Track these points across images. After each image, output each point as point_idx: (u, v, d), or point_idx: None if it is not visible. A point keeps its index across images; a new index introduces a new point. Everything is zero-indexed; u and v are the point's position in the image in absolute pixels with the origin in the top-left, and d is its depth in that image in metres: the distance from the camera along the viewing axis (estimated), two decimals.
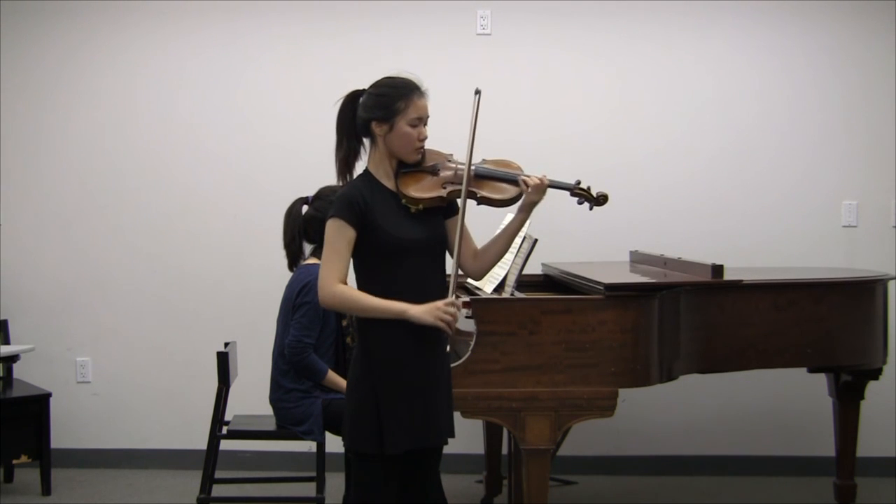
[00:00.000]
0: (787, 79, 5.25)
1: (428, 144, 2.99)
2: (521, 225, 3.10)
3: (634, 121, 5.26)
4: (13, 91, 5.31)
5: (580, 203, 3.17)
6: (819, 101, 5.25)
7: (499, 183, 3.03)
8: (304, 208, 4.09)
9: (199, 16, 5.29)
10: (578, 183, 3.14)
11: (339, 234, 2.87)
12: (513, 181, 3.02)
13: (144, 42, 5.30)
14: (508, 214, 3.60)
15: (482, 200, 3.02)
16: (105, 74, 5.31)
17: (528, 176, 3.01)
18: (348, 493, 4.00)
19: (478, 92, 3.00)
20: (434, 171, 2.98)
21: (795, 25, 5.25)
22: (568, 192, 3.15)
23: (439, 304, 2.84)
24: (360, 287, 2.92)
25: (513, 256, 3.76)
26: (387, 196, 2.94)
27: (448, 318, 2.83)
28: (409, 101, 2.90)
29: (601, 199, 3.15)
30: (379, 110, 2.90)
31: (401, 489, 2.97)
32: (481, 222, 3.54)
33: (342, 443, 3.73)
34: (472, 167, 2.98)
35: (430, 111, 2.95)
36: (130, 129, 5.31)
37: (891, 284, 4.31)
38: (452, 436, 3.02)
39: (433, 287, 2.95)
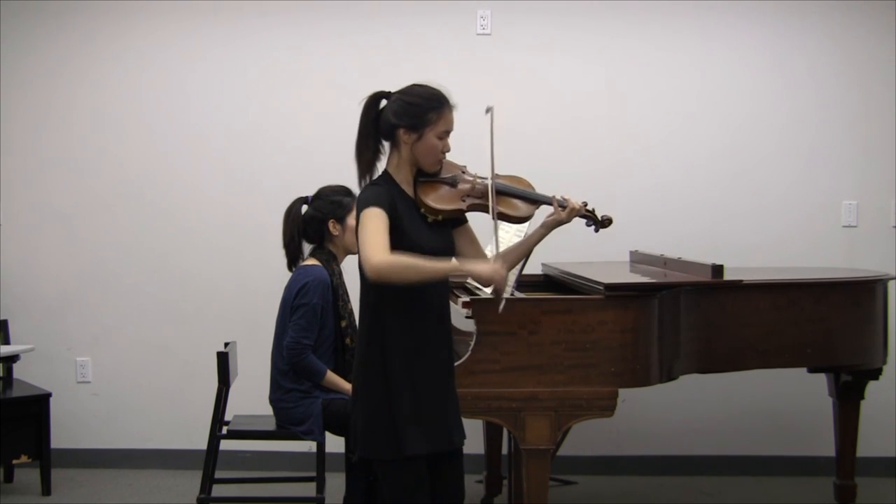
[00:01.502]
0: (787, 78, 5.25)
1: None
2: (540, 240, 3.15)
3: (635, 120, 5.26)
4: (14, 89, 5.30)
5: (588, 225, 3.30)
6: (819, 101, 5.25)
7: (516, 200, 3.09)
8: (304, 208, 4.08)
9: (201, 16, 5.28)
10: (585, 205, 3.24)
11: (377, 217, 2.77)
12: (529, 199, 3.09)
13: (147, 41, 5.29)
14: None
15: (501, 216, 3.04)
16: (106, 74, 5.31)
17: (565, 199, 3.09)
18: (349, 494, 4.00)
19: (489, 110, 2.95)
20: (452, 183, 2.98)
21: (796, 25, 5.24)
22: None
23: (494, 264, 2.82)
24: (377, 291, 2.84)
25: None
26: (408, 202, 2.92)
27: (504, 274, 2.83)
28: (441, 113, 2.88)
29: (606, 222, 3.30)
30: (409, 118, 2.86)
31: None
32: (481, 227, 3.53)
33: (343, 444, 3.73)
34: (492, 182, 2.98)
35: None
36: (130, 129, 5.30)
37: (891, 284, 4.31)
38: (464, 437, 3.02)
39: (446, 295, 2.98)
